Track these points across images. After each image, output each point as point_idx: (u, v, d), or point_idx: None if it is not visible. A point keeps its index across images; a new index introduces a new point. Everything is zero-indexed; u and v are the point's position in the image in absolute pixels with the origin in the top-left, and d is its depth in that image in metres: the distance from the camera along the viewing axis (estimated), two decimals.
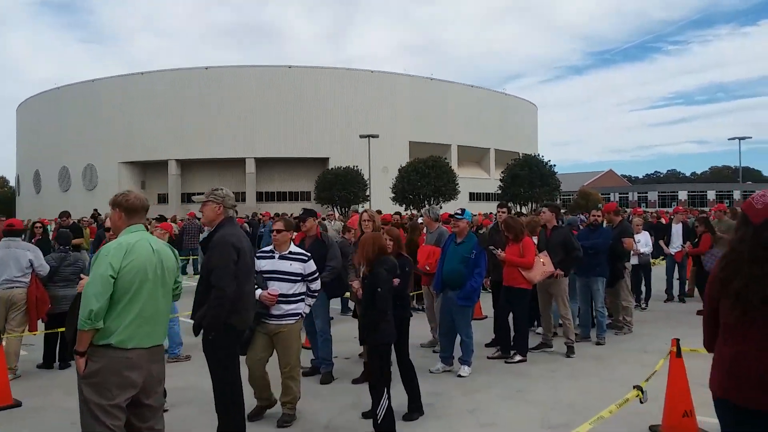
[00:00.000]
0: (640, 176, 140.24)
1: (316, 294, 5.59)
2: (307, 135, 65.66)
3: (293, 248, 5.42)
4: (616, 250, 9.20)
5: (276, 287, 5.16)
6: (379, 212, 20.81)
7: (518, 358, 7.56)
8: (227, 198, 4.62)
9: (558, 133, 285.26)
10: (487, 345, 8.43)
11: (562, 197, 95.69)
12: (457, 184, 40.70)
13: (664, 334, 9.21)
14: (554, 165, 45.16)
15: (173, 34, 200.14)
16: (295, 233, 6.28)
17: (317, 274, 5.50)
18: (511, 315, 7.72)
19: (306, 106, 65.93)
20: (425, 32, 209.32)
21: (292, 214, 26.34)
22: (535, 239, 8.17)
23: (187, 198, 69.40)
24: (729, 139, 56.03)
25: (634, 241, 11.10)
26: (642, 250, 11.18)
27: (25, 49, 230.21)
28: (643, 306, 11.48)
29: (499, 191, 41.59)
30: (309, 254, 5.45)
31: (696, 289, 11.74)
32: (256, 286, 5.00)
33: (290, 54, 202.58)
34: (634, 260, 11.20)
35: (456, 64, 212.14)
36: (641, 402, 4.49)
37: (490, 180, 75.86)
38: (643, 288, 11.79)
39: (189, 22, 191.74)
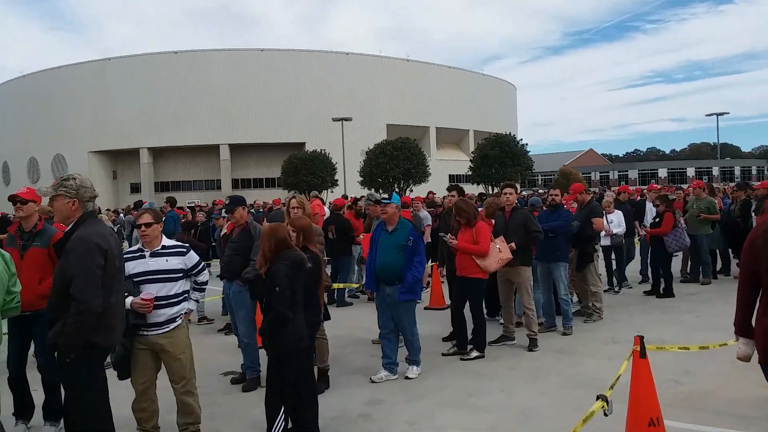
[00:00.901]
0: (621, 155, 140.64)
1: (204, 287, 4.78)
2: (282, 120, 64.42)
3: (166, 242, 4.56)
4: (585, 231, 8.50)
5: (151, 290, 4.33)
6: (345, 197, 20.10)
7: (474, 354, 6.84)
8: (82, 189, 3.76)
9: (538, 113, 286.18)
10: (444, 339, 7.70)
11: (539, 176, 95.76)
12: (428, 166, 39.52)
13: (636, 320, 8.57)
14: (526, 144, 43.80)
15: (148, 21, 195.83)
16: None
17: (202, 265, 4.67)
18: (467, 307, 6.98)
19: (280, 90, 64.65)
20: (402, 16, 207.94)
21: (265, 202, 25.38)
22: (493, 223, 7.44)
23: (160, 187, 68.13)
24: (707, 116, 55.73)
25: (607, 221, 10.46)
26: (615, 231, 10.49)
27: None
28: (616, 290, 10.80)
29: (470, 172, 40.27)
30: (187, 245, 4.62)
31: (650, 271, 11.03)
32: (126, 294, 4.17)
33: (268, 40, 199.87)
34: (606, 241, 10.54)
35: (434, 48, 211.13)
36: (605, 414, 3.77)
37: (468, 161, 75.31)
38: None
39: (163, 8, 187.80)
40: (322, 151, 43.69)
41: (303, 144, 62.20)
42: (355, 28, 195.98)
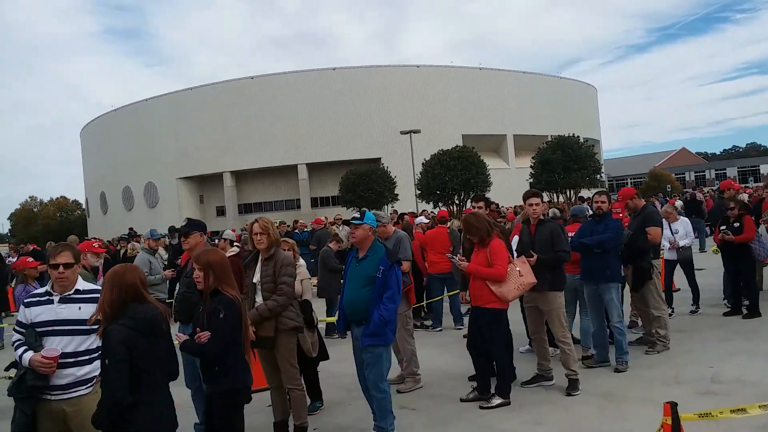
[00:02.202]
0: (718, 152, 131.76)
1: None
2: (356, 136, 64.37)
3: (81, 284, 3.74)
4: (637, 243, 7.11)
5: (56, 345, 3.51)
6: (411, 213, 19.05)
7: (497, 401, 5.69)
8: None
9: (624, 115, 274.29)
10: (470, 378, 6.55)
11: (629, 180, 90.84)
12: (488, 174, 37.39)
13: (711, 351, 7.09)
14: (593, 145, 40.18)
15: (228, 50, 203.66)
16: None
17: None
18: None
19: (353, 106, 64.66)
20: (476, 27, 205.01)
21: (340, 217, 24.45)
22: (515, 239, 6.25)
23: (243, 209, 69.68)
24: None
25: (671, 231, 8.97)
26: (682, 243, 8.96)
27: (94, 76, 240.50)
28: (693, 308, 9.20)
29: (531, 179, 37.36)
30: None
31: (729, 291, 9.27)
32: (25, 348, 3.38)
33: (343, 60, 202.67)
34: (671, 255, 9.02)
35: (510, 56, 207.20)
36: None
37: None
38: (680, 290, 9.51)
39: (243, 36, 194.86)
40: (381, 165, 42.69)
41: (378, 159, 61.77)
42: (429, 42, 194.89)
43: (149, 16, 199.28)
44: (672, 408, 3.11)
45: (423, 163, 38.49)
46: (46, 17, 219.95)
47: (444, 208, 32.69)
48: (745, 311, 8.79)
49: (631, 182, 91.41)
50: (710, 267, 11.47)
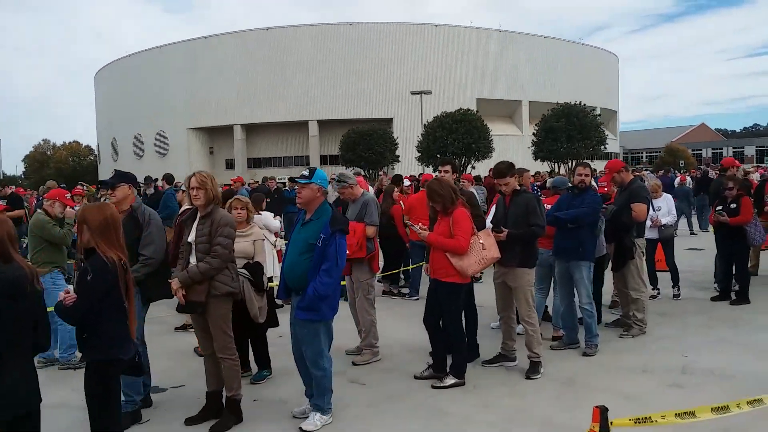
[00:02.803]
0: (738, 130, 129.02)
1: None
2: (370, 95, 63.42)
3: None
4: (621, 220, 6.69)
5: None
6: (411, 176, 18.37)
7: (450, 381, 5.38)
8: None
9: (648, 86, 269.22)
10: (430, 353, 6.23)
11: (644, 153, 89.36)
12: (491, 140, 36.32)
13: (689, 338, 6.72)
14: (599, 114, 38.30)
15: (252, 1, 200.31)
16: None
17: None
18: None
19: (368, 64, 63.49)
20: None
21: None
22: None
23: (252, 163, 69.33)
24: None
25: (653, 208, 8.51)
26: (664, 221, 8.51)
27: (116, 19, 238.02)
28: (676, 292, 8.77)
29: (533, 147, 36.01)
30: None
31: (719, 275, 8.85)
32: None
33: (365, 15, 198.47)
34: (652, 233, 8.58)
35: (535, 19, 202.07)
36: None
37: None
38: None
39: None
40: (390, 130, 41.93)
41: (390, 120, 61.03)
42: (457, 2, 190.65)
43: None
44: (601, 413, 2.76)
45: (424, 125, 37.49)
46: None
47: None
48: (734, 297, 8.40)
49: (646, 156, 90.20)
50: (710, 247, 10.93)
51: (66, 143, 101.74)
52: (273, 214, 9.48)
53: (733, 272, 8.54)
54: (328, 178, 4.66)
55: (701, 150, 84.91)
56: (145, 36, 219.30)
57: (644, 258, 7.01)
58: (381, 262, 8.88)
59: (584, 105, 36.06)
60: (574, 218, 6.13)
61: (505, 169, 5.72)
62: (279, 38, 65.63)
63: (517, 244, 5.63)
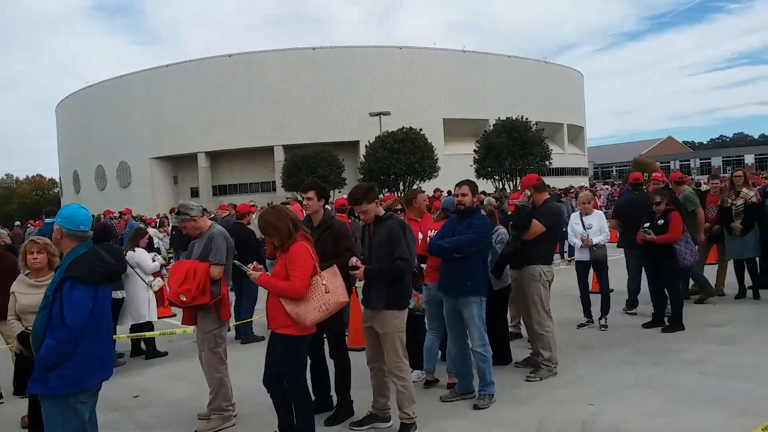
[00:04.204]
0: (705, 141, 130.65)
1: None
2: (335, 118, 62.71)
3: None
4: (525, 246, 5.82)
5: None
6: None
7: None
8: None
9: (616, 102, 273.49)
10: None
11: (614, 167, 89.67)
12: (437, 159, 35.21)
13: (606, 378, 5.81)
14: (542, 129, 36.90)
15: (223, 29, 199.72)
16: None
17: None
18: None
19: (333, 88, 62.91)
20: (473, 9, 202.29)
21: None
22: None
23: (218, 191, 68.04)
24: None
25: (584, 226, 7.71)
26: (596, 240, 7.66)
27: (85, 53, 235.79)
28: (602, 323, 7.87)
29: (474, 165, 34.75)
30: None
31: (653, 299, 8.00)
32: None
33: (338, 40, 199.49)
34: (583, 254, 7.75)
35: (505, 39, 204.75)
36: None
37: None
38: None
39: (238, 15, 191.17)
40: (330, 149, 40.40)
41: (357, 142, 60.29)
42: (425, 24, 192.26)
43: None
44: None
45: (366, 146, 36.51)
46: None
47: (388, 193, 30.95)
48: (667, 323, 7.55)
49: (616, 170, 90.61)
50: None
51: (29, 177, 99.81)
52: (155, 252, 8.52)
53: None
54: (89, 217, 3.62)
55: (669, 162, 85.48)
56: (114, 68, 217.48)
57: (549, 287, 6.09)
58: None
59: (526, 120, 34.98)
60: (457, 246, 5.22)
61: (360, 194, 4.78)
62: (241, 64, 64.93)
63: (383, 282, 4.70)
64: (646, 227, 7.53)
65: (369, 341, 4.96)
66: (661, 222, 7.48)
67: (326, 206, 5.43)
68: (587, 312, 8.08)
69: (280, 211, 4.44)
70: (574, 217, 8.04)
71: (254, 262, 4.49)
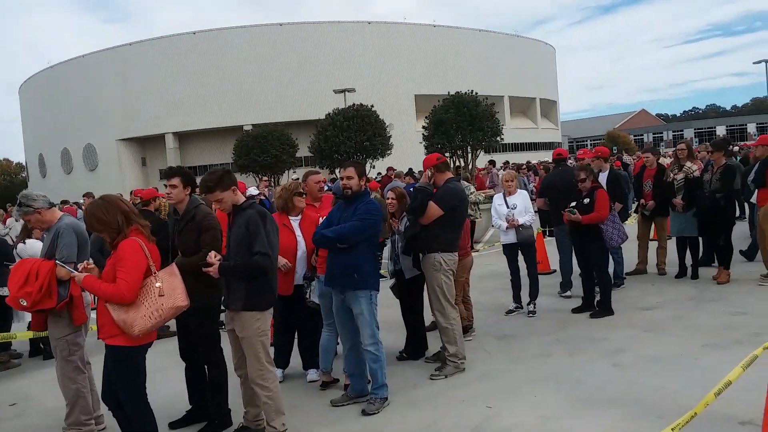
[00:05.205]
0: (678, 114, 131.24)
1: None
2: (305, 96, 61.47)
3: None
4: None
5: None
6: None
7: None
8: None
9: (590, 76, 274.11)
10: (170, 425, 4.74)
11: (588, 141, 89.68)
12: (390, 136, 34.28)
13: (512, 377, 5.31)
14: (493, 103, 34.88)
15: (196, 8, 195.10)
16: None
17: None
18: None
19: (302, 64, 61.67)
20: None
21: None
22: None
23: None
24: (754, 63, 49.00)
25: (507, 206, 7.24)
26: (521, 220, 7.17)
27: (52, 32, 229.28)
28: (530, 309, 7.41)
29: (423, 142, 33.61)
30: None
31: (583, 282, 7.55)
32: None
33: (312, 16, 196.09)
34: (508, 236, 7.26)
35: (481, 14, 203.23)
36: None
37: (506, 129, 70.44)
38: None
39: None
40: (281, 127, 39.11)
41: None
42: (401, 3, 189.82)
43: None
44: None
45: (316, 125, 35.40)
46: None
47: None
48: (596, 307, 7.11)
49: (591, 143, 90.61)
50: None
51: None
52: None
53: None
54: None
55: (642, 135, 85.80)
56: (82, 48, 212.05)
57: (453, 277, 5.57)
58: None
59: (476, 93, 33.90)
60: (340, 236, 4.67)
61: (212, 181, 4.21)
62: (207, 42, 63.31)
63: (241, 281, 4.15)
64: (572, 206, 7.05)
65: (234, 345, 4.41)
66: (587, 201, 7.00)
67: (193, 194, 4.82)
68: (517, 297, 7.62)
69: (110, 203, 3.83)
70: (497, 198, 7.53)
71: (87, 261, 3.90)
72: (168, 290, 3.73)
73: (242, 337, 4.21)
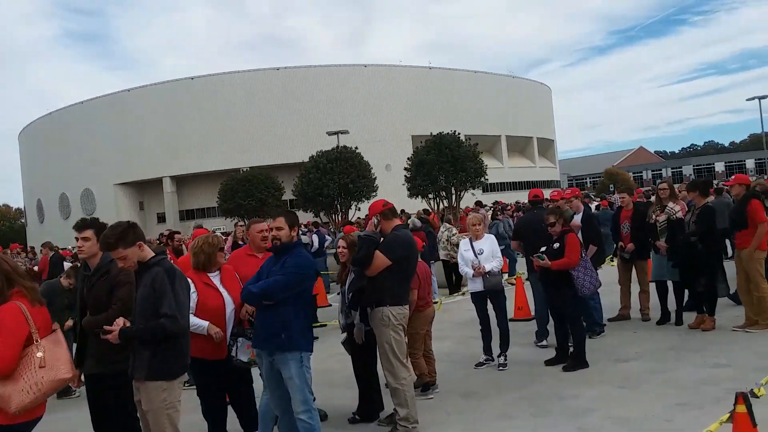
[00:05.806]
0: (677, 151, 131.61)
1: None
2: (303, 138, 61.60)
3: None
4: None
5: None
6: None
7: None
8: None
9: (587, 115, 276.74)
10: None
11: (587, 179, 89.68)
12: (375, 178, 33.85)
13: None
14: (476, 144, 34.22)
15: (196, 55, 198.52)
16: None
17: None
18: None
19: (299, 108, 62.02)
20: (445, 29, 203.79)
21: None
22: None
23: (185, 215, 66.56)
24: (747, 100, 49.01)
25: (474, 252, 6.85)
26: (488, 267, 6.74)
27: (59, 80, 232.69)
28: (500, 361, 6.92)
29: (406, 184, 33.02)
30: None
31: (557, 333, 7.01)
32: None
33: (311, 61, 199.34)
34: (475, 284, 6.85)
35: (478, 57, 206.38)
36: None
37: (504, 169, 70.50)
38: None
39: (211, 41, 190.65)
40: (267, 171, 38.78)
41: None
42: (398, 45, 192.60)
43: (112, 18, 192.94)
44: None
45: (300, 168, 35.05)
46: (11, 21, 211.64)
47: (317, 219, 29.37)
48: (570, 358, 6.63)
49: (589, 181, 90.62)
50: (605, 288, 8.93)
51: None
52: None
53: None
54: None
55: (642, 172, 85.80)
56: (83, 95, 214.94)
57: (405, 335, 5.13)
58: None
59: (458, 134, 33.60)
60: (264, 292, 4.25)
61: (113, 237, 3.81)
62: (205, 87, 63.93)
63: (146, 346, 3.72)
64: (541, 252, 6.63)
65: (142, 421, 3.95)
66: (557, 246, 6.59)
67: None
68: (487, 349, 7.15)
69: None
70: (464, 243, 7.11)
71: None
72: (50, 361, 3.30)
73: (147, 410, 3.75)
